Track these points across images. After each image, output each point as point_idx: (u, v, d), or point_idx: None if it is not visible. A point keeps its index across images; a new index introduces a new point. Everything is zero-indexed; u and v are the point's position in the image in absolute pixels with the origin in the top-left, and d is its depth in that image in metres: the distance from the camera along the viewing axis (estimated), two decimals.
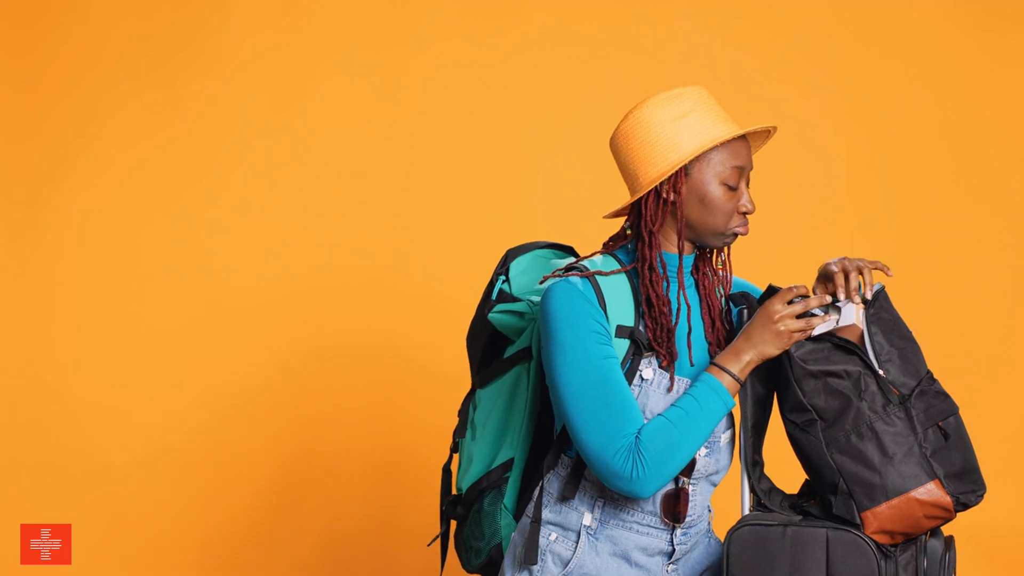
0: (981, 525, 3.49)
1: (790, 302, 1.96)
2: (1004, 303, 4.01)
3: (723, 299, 2.11)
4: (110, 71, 4.05)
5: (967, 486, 1.92)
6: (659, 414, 1.95)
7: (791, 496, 2.07)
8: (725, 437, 2.06)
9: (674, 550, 2.04)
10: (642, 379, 1.98)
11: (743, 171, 2.00)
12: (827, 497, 1.95)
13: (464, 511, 2.20)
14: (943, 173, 4.03)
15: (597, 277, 1.99)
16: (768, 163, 4.06)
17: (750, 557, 1.93)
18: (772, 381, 2.03)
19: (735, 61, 4.06)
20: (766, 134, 2.09)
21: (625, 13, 4.07)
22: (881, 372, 1.95)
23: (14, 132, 4.04)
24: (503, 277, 2.17)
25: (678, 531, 2.03)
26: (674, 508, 2.01)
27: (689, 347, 2.02)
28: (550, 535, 2.03)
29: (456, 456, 2.27)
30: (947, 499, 1.90)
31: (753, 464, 2.04)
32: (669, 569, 2.05)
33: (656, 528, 2.02)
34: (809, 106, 4.06)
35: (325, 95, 4.05)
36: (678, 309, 2.01)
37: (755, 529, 1.94)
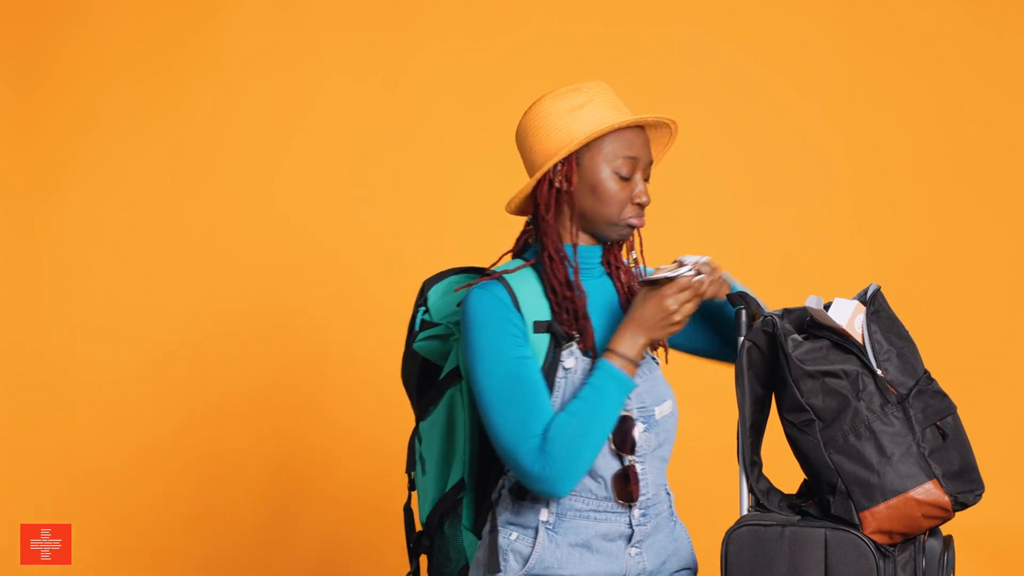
0: (980, 525, 3.49)
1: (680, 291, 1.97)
2: (1004, 303, 4.01)
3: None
4: (110, 72, 4.06)
5: (965, 485, 1.92)
6: (562, 409, 1.97)
7: (789, 496, 2.07)
8: (660, 410, 2.06)
9: (634, 532, 2.04)
10: (565, 370, 2.00)
11: (636, 162, 2.01)
12: (825, 497, 1.95)
13: (429, 542, 2.22)
14: (943, 173, 4.03)
15: (506, 277, 2.02)
16: (768, 163, 4.08)
17: (748, 557, 1.93)
18: (770, 381, 2.03)
19: (735, 61, 4.07)
20: (669, 132, 2.09)
21: (625, 13, 4.08)
22: (879, 371, 1.95)
23: (15, 133, 4.05)
24: (423, 308, 2.19)
25: (636, 512, 2.04)
26: (626, 488, 2.01)
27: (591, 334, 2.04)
28: (511, 535, 2.04)
29: (415, 493, 2.28)
30: (945, 499, 1.90)
31: (751, 464, 2.04)
32: (632, 552, 2.05)
33: (613, 512, 2.03)
34: (809, 106, 4.07)
35: (325, 95, 4.06)
36: (582, 295, 2.03)
37: (753, 529, 1.94)
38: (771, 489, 2.05)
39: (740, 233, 4.07)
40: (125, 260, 4.03)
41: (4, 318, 4.02)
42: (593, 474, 2.01)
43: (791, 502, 2.04)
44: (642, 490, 2.03)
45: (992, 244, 4.02)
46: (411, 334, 2.21)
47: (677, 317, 1.96)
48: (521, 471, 1.94)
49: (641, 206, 2.03)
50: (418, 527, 2.25)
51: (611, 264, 2.11)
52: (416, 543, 2.24)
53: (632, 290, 2.11)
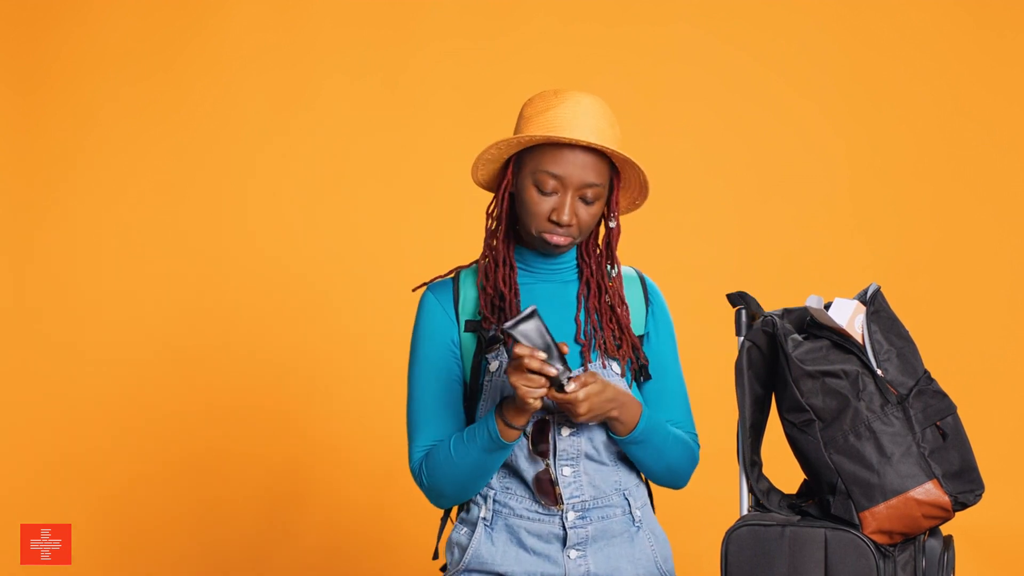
0: (980, 524, 3.49)
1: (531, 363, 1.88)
2: (1004, 303, 4.01)
3: (611, 308, 2.08)
4: (110, 72, 4.05)
5: (965, 485, 1.92)
6: (450, 435, 2.04)
7: (790, 496, 2.07)
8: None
9: (567, 534, 2.04)
10: (490, 373, 2.04)
11: (561, 180, 1.96)
12: (825, 497, 1.95)
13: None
14: (943, 173, 4.03)
15: (461, 274, 2.10)
16: (768, 163, 4.08)
17: (748, 557, 1.93)
18: (770, 381, 2.03)
19: (735, 61, 4.07)
20: (638, 175, 2.01)
21: (625, 13, 4.08)
22: (879, 371, 1.95)
23: (15, 133, 4.04)
24: None
25: (570, 514, 2.04)
26: (550, 491, 2.03)
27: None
28: (461, 530, 2.11)
29: None
30: (945, 499, 1.90)
31: (751, 464, 2.05)
32: (572, 555, 2.05)
33: (545, 513, 2.05)
34: (809, 106, 4.07)
35: (325, 95, 4.06)
36: (514, 291, 2.03)
37: (753, 529, 1.94)
38: (771, 489, 2.05)
39: (740, 233, 4.07)
40: (126, 260, 4.02)
41: (4, 318, 4.02)
42: (519, 476, 2.05)
43: (791, 502, 2.04)
44: (574, 492, 2.04)
45: (992, 244, 4.02)
46: None
47: (520, 393, 1.88)
48: (413, 475, 2.06)
49: (558, 224, 1.98)
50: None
51: (584, 273, 2.09)
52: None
53: (601, 303, 2.08)
